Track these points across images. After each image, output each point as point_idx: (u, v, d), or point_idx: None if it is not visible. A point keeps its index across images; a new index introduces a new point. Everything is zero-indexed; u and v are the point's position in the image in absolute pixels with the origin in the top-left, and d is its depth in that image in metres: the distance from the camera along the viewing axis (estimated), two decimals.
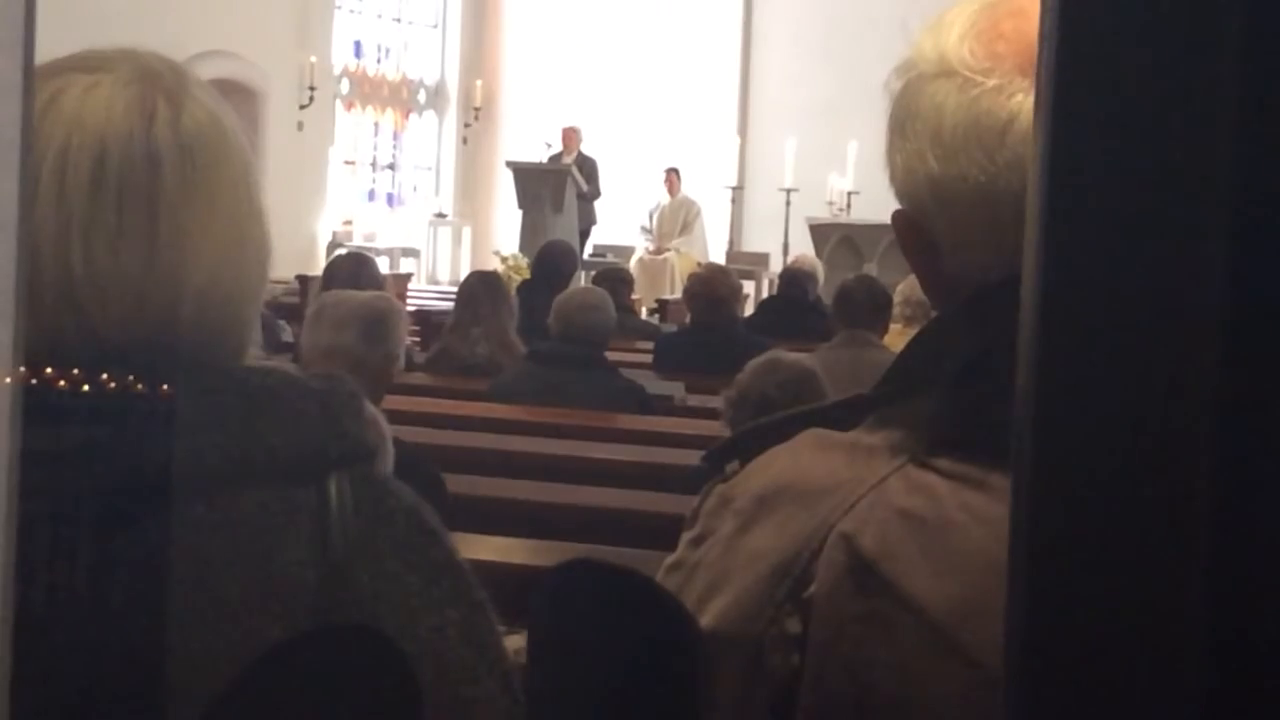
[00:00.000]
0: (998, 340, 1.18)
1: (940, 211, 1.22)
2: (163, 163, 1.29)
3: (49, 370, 1.21)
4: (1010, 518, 0.61)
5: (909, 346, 1.29)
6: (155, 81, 1.32)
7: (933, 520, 1.17)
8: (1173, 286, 0.55)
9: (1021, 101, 1.19)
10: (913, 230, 1.26)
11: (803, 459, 1.25)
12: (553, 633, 1.33)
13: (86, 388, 1.23)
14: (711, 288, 7.94)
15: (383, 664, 1.25)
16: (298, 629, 1.25)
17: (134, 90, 1.31)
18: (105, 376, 1.24)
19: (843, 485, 1.21)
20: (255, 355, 1.39)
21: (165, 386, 1.27)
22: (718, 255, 16.07)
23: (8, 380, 0.48)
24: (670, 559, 1.32)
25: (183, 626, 1.24)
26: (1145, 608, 0.55)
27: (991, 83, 1.20)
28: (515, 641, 3.96)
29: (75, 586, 1.22)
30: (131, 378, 1.25)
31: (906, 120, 1.24)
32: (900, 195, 1.27)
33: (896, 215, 1.28)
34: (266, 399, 1.31)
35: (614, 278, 10.15)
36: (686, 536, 1.31)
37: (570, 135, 16.54)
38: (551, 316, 6.52)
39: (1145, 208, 0.55)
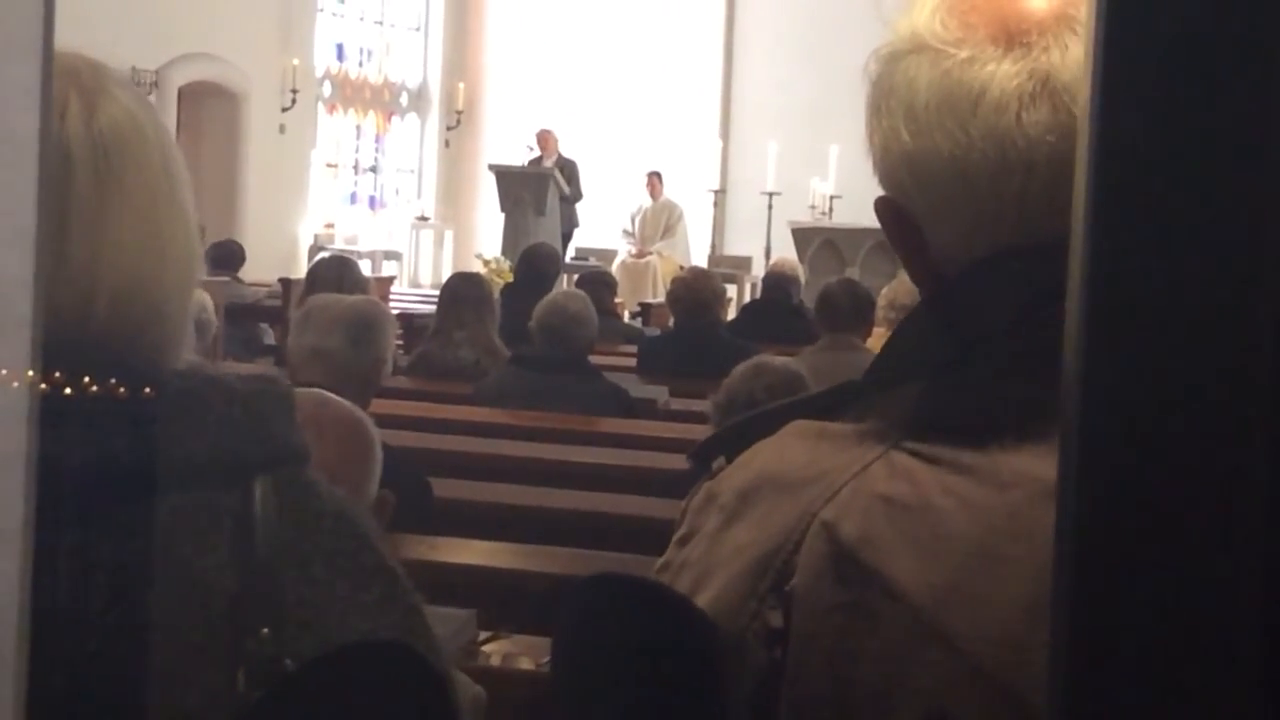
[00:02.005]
0: (981, 324, 1.18)
1: (918, 189, 1.21)
2: (73, 159, 1.28)
3: None
4: (1057, 507, 0.60)
5: (895, 333, 1.27)
6: (71, 79, 1.31)
7: (915, 505, 1.15)
8: (1227, 269, 0.54)
9: (993, 71, 1.17)
10: (895, 213, 1.25)
11: (787, 450, 1.23)
12: (580, 648, 1.31)
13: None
14: (695, 291, 7.95)
15: (421, 683, 1.23)
16: (220, 635, 1.24)
17: None
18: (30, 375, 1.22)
19: (825, 474, 1.19)
20: (188, 359, 1.37)
21: (90, 388, 1.25)
22: (700, 259, 16.07)
23: (26, 381, 0.48)
24: (660, 560, 1.30)
25: (101, 631, 1.23)
26: (1197, 605, 0.54)
27: (963, 54, 1.18)
28: (501, 646, 3.95)
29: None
30: (59, 375, 1.22)
31: (882, 99, 1.23)
32: (881, 179, 1.25)
33: (879, 201, 1.26)
34: (185, 402, 1.29)
35: (597, 281, 10.15)
36: (675, 537, 1.29)
37: (546, 137, 16.52)
38: (534, 321, 6.51)
39: (1198, 189, 0.55)
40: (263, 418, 1.32)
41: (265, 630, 1.25)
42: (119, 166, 1.30)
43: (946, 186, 1.19)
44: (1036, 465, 1.11)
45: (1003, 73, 1.17)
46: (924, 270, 1.24)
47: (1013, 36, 1.18)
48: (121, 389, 1.28)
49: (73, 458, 1.23)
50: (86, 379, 1.26)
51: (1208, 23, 0.56)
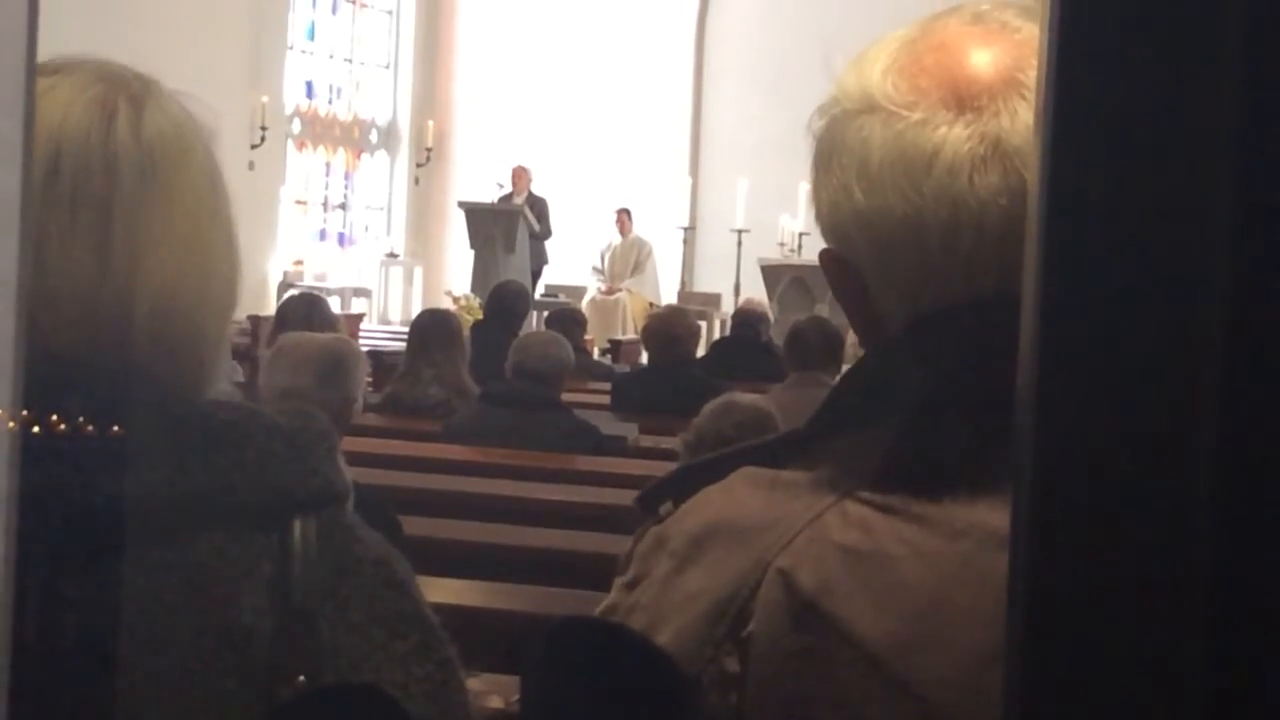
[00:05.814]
0: (928, 374, 1.20)
1: (867, 246, 1.23)
2: (120, 164, 1.25)
3: None
4: (1009, 547, 0.61)
5: (840, 382, 1.30)
6: (119, 84, 1.29)
7: (870, 554, 1.17)
8: (1175, 309, 0.55)
9: (945, 134, 1.19)
10: (840, 267, 1.26)
11: (737, 497, 1.24)
12: (550, 694, 1.30)
13: (36, 428, 1.16)
14: (669, 327, 7.96)
15: None
16: (254, 681, 1.19)
17: (95, 92, 1.27)
18: (55, 418, 1.17)
19: (779, 522, 1.20)
20: (228, 390, 1.32)
21: (115, 424, 1.20)
22: (669, 296, 16.09)
23: (4, 420, 0.49)
24: (604, 604, 1.30)
25: (134, 676, 1.18)
26: (1144, 646, 0.55)
27: (916, 116, 1.20)
28: (471, 685, 3.96)
29: (23, 633, 1.14)
30: (80, 418, 1.18)
31: (832, 156, 1.24)
32: (826, 232, 1.27)
33: (824, 254, 1.28)
34: (229, 435, 1.24)
35: (567, 318, 10.16)
36: (620, 580, 1.29)
37: (519, 175, 16.54)
38: (510, 358, 6.52)
39: (1145, 235, 0.56)
40: (305, 454, 1.27)
41: (301, 678, 1.21)
42: (165, 174, 1.27)
43: (897, 244, 1.21)
44: (988, 515, 1.13)
45: (955, 136, 1.19)
46: (866, 322, 1.26)
47: (963, 101, 1.20)
48: (166, 419, 1.22)
49: (101, 490, 1.18)
50: (120, 407, 1.21)
51: (1155, 66, 0.58)
